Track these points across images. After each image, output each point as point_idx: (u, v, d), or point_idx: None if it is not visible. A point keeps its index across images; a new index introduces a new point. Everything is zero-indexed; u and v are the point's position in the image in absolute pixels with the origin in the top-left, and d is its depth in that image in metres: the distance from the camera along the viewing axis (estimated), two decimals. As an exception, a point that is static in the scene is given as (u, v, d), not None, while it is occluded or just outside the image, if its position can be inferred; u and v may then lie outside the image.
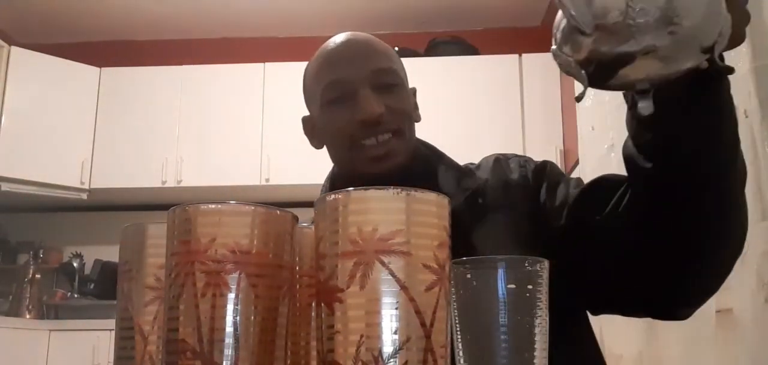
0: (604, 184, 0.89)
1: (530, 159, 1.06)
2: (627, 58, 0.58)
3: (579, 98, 0.63)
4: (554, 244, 0.86)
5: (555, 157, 3.62)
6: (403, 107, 1.01)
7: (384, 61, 1.01)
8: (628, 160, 0.77)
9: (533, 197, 0.98)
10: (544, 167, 1.02)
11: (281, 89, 3.76)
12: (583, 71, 0.61)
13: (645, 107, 0.61)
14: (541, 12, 4.01)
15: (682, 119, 0.68)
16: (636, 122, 0.71)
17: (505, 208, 0.98)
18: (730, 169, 0.73)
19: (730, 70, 0.62)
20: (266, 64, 3.92)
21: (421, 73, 3.81)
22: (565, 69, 0.62)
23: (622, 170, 0.82)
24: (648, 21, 0.56)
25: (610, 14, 0.57)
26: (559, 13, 0.62)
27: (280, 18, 4.15)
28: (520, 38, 3.98)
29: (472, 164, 1.08)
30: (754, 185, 1.43)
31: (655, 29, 0.56)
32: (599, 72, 0.61)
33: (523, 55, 3.79)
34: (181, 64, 3.97)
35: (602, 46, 0.59)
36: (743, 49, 1.45)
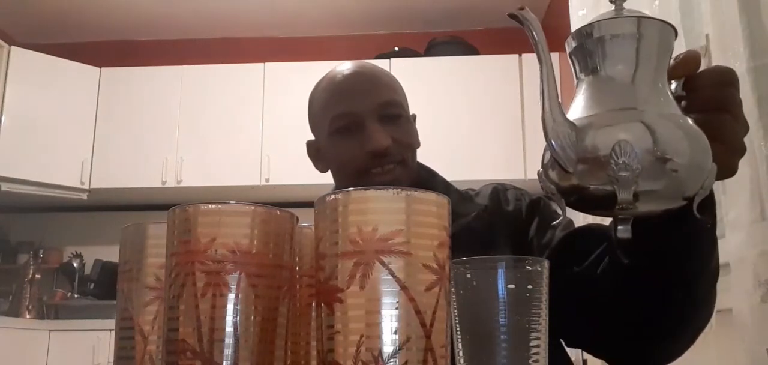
0: (588, 234, 0.91)
1: (526, 193, 1.10)
2: (609, 199, 0.57)
3: (557, 225, 0.64)
4: None
5: (555, 157, 3.62)
6: (408, 139, 1.06)
7: (390, 94, 1.06)
8: (608, 243, 0.78)
9: (523, 232, 1.03)
10: (539, 202, 1.06)
11: (281, 89, 3.77)
12: (563, 200, 0.61)
13: (623, 230, 0.61)
14: (541, 12, 4.01)
15: (661, 241, 0.69)
16: (615, 240, 0.71)
17: (497, 237, 1.02)
18: (704, 272, 0.75)
19: (708, 223, 0.63)
20: (266, 64, 3.92)
21: (421, 73, 3.83)
22: (546, 192, 0.62)
23: None
24: (629, 177, 0.55)
25: (594, 159, 0.57)
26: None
27: (280, 18, 4.16)
28: (520, 38, 3.91)
29: (471, 189, 1.12)
30: (752, 185, 1.43)
31: (638, 179, 0.56)
32: (581, 203, 0.61)
33: (523, 55, 3.79)
34: (181, 64, 3.98)
35: (586, 182, 0.58)
36: (741, 49, 1.45)
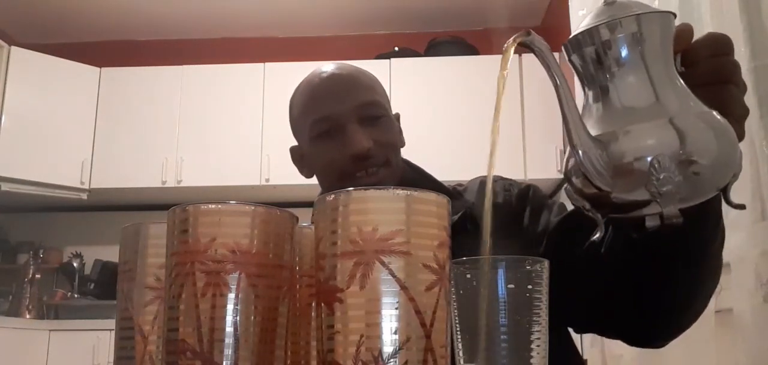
0: (583, 216, 0.91)
1: (514, 182, 1.09)
2: (640, 203, 0.57)
3: (596, 241, 0.62)
4: None
5: (555, 157, 3.63)
6: (389, 139, 1.04)
7: (369, 95, 1.05)
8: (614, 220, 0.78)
9: (517, 221, 1.02)
10: (528, 191, 1.05)
11: (281, 89, 3.73)
12: (599, 215, 0.61)
13: (652, 219, 0.59)
14: (541, 12, 4.01)
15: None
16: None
17: (491, 231, 1.00)
18: (713, 238, 0.75)
19: (743, 207, 0.62)
20: (266, 64, 3.92)
21: (421, 73, 3.83)
22: (579, 209, 0.62)
23: None
24: (672, 190, 0.55)
25: (631, 175, 0.56)
26: (568, 152, 0.61)
27: (280, 18, 4.16)
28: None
29: (460, 185, 1.11)
30: (753, 185, 1.43)
31: (676, 186, 0.55)
32: (613, 209, 0.60)
33: (523, 55, 3.79)
34: (181, 64, 3.97)
35: (625, 198, 0.58)
36: (742, 49, 1.45)
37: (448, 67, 3.83)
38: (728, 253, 1.47)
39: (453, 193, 1.08)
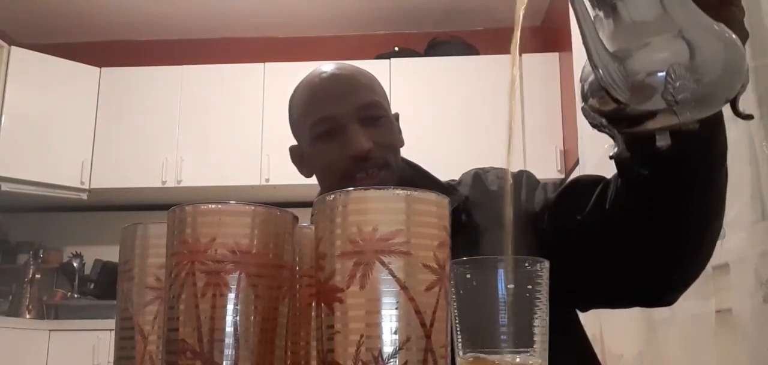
0: (580, 185, 0.93)
1: (507, 170, 1.08)
2: (656, 113, 0.59)
3: (613, 156, 0.65)
4: (538, 248, 0.88)
5: (555, 157, 3.63)
6: (389, 140, 1.05)
7: (369, 95, 1.05)
8: (618, 162, 0.79)
9: (514, 204, 1.02)
10: (521, 176, 1.07)
11: (281, 89, 3.73)
12: (615, 129, 0.63)
13: (662, 138, 0.62)
14: (541, 12, 4.01)
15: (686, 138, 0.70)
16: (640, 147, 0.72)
17: (487, 221, 1.02)
18: (720, 171, 0.76)
19: (751, 117, 0.65)
20: (266, 64, 3.92)
21: (421, 73, 3.83)
22: (596, 127, 0.64)
23: None
24: (689, 98, 0.58)
25: (647, 85, 0.59)
26: (584, 67, 0.63)
27: (280, 18, 4.16)
28: (520, 38, 3.97)
29: (453, 180, 1.12)
30: (753, 185, 1.43)
31: (692, 94, 0.58)
32: (629, 124, 0.63)
33: (523, 55, 3.79)
34: (181, 64, 3.97)
35: (640, 109, 0.60)
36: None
37: (448, 67, 3.82)
38: (728, 253, 1.48)
39: (447, 187, 1.09)
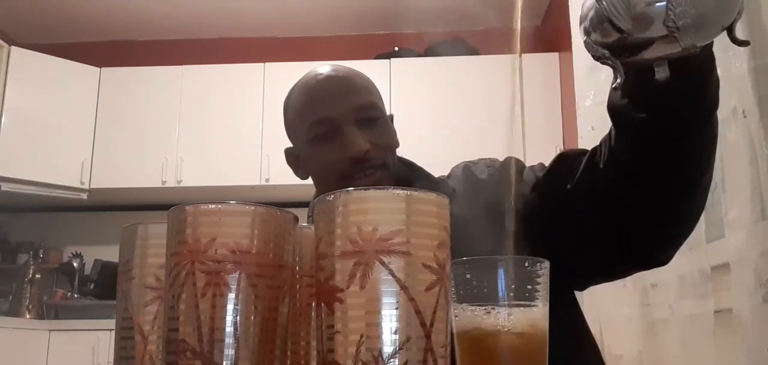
0: (568, 157, 0.96)
1: (496, 160, 1.12)
2: (656, 40, 0.62)
3: (616, 88, 0.67)
4: (532, 229, 0.89)
5: (555, 157, 3.63)
6: (386, 141, 1.06)
7: (366, 97, 1.06)
8: (615, 110, 0.81)
9: (503, 191, 1.03)
10: (509, 161, 1.08)
11: (281, 89, 3.73)
12: (618, 62, 0.65)
13: (661, 70, 0.65)
14: (541, 12, 4.01)
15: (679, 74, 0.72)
16: (637, 82, 0.74)
17: (478, 211, 1.02)
18: (710, 120, 0.78)
19: (747, 43, 0.67)
20: (266, 64, 3.92)
21: (421, 73, 3.83)
22: (599, 59, 0.66)
23: None
24: (690, 24, 0.60)
25: (649, 13, 0.61)
26: (583, 5, 0.66)
27: (280, 18, 4.15)
28: (520, 38, 3.97)
29: (443, 175, 1.13)
30: (753, 185, 1.43)
31: (692, 19, 0.61)
32: (631, 53, 0.65)
33: (523, 55, 3.79)
34: (181, 64, 3.97)
35: (643, 36, 0.62)
36: (741, 48, 1.45)
37: (447, 68, 3.82)
38: (728, 253, 1.48)
39: (438, 181, 1.11)
